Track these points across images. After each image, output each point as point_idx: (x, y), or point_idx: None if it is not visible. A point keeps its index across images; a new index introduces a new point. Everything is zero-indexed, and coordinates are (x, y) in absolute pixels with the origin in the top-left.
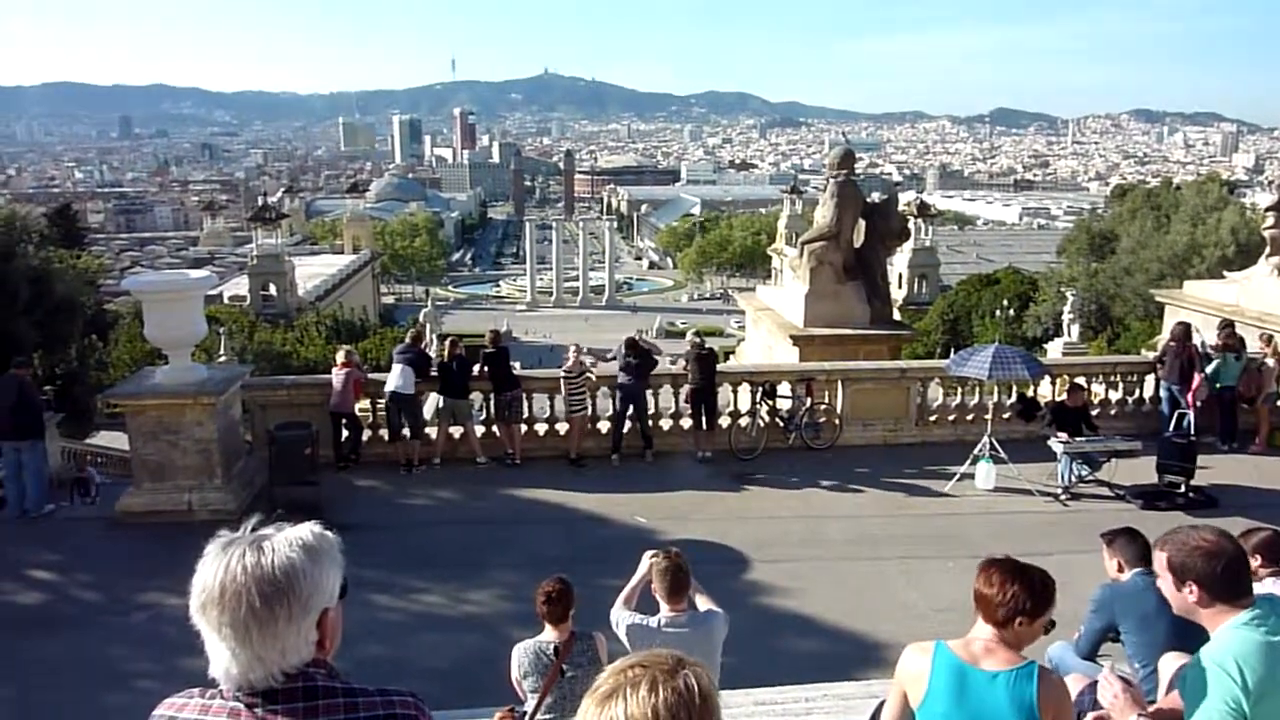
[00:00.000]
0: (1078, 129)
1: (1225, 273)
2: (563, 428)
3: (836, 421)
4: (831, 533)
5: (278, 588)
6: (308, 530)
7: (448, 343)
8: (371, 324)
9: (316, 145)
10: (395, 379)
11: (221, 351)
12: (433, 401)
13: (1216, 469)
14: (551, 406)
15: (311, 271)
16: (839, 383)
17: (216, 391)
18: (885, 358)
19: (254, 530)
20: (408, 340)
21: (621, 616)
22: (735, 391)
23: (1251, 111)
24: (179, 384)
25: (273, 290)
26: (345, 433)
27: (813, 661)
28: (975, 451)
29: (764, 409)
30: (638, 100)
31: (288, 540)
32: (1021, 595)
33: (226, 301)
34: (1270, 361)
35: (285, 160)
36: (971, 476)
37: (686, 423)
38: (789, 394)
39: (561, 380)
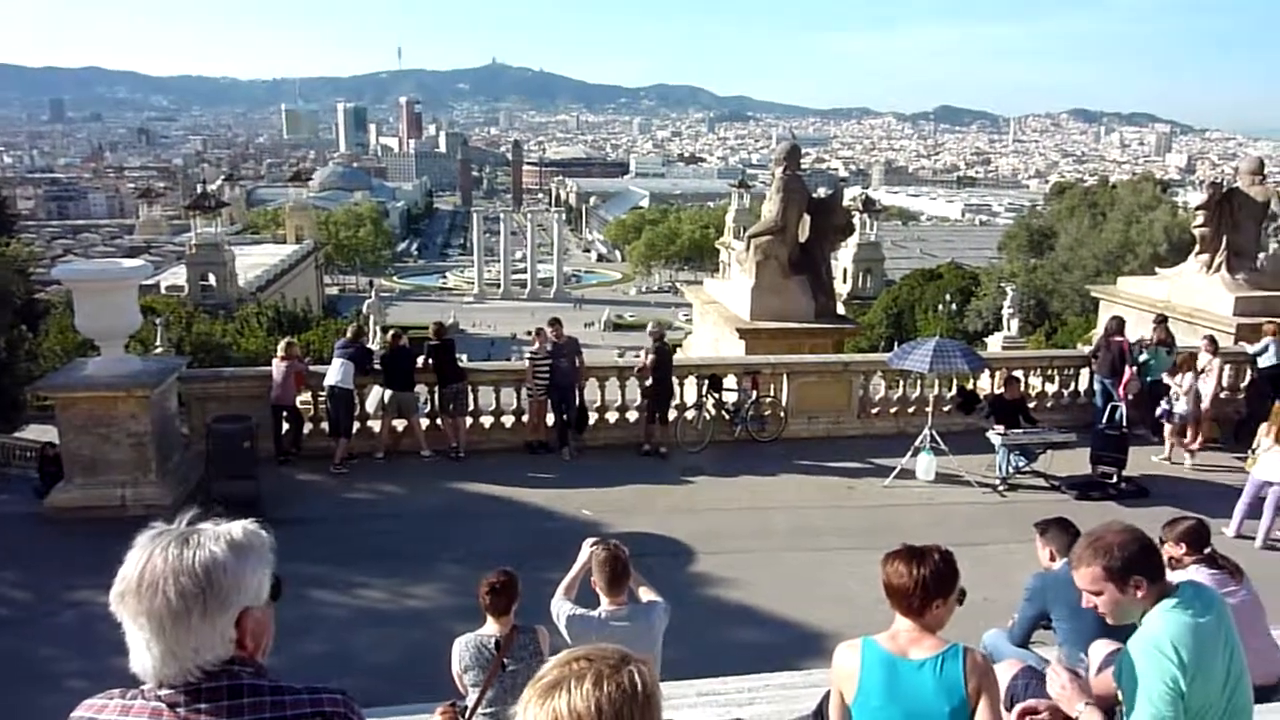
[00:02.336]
0: (1019, 127)
1: (1157, 269)
2: (509, 420)
3: (781, 414)
4: (775, 524)
5: (195, 582)
6: (240, 527)
7: (390, 335)
8: (315, 315)
9: (258, 132)
10: (334, 374)
11: (158, 343)
12: (377, 394)
13: (1147, 460)
14: (498, 399)
15: (253, 261)
16: (784, 376)
17: (151, 384)
18: (829, 351)
19: (189, 524)
20: (349, 335)
21: (562, 608)
22: (682, 384)
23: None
24: (112, 376)
25: (212, 280)
26: (286, 426)
27: (756, 651)
28: (916, 443)
29: (710, 402)
30: (587, 92)
31: (215, 536)
32: (929, 579)
33: (164, 292)
34: (1214, 364)
35: (225, 147)
36: (912, 468)
37: (633, 415)
38: (735, 387)
39: (528, 360)
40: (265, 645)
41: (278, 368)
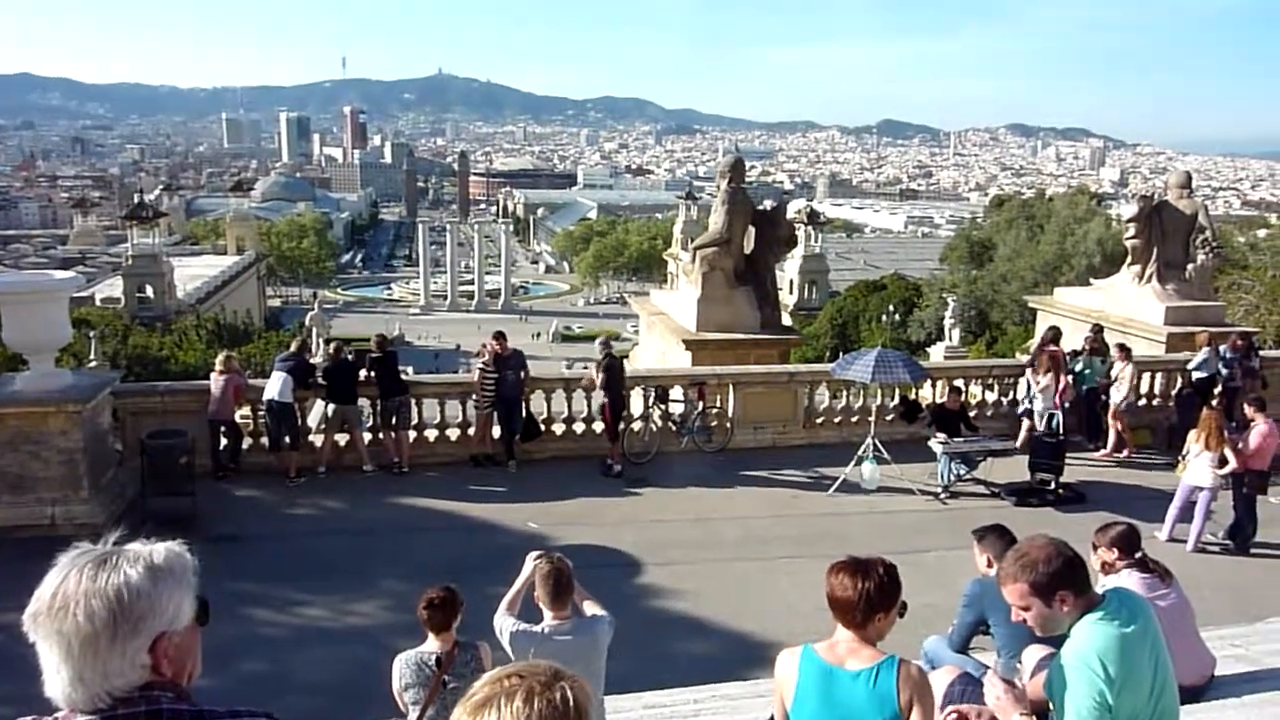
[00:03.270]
0: (959, 141)
1: (1092, 280)
2: (454, 433)
3: (728, 425)
4: (722, 534)
5: (105, 606)
6: (162, 549)
7: (331, 347)
8: (256, 327)
9: (198, 141)
10: (273, 387)
11: (92, 357)
12: (320, 408)
13: (1083, 466)
14: (442, 412)
15: (192, 273)
16: (730, 386)
17: (82, 399)
18: (775, 362)
19: (115, 544)
20: (292, 348)
21: (505, 624)
22: (628, 396)
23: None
24: (41, 391)
25: (149, 292)
26: (225, 441)
27: (703, 662)
28: (860, 452)
29: (657, 413)
30: (534, 103)
31: (134, 558)
32: (873, 592)
33: (99, 304)
34: (1127, 371)
35: (164, 156)
36: (857, 477)
37: (580, 427)
38: (681, 398)
39: (477, 371)
40: (191, 669)
41: (216, 381)
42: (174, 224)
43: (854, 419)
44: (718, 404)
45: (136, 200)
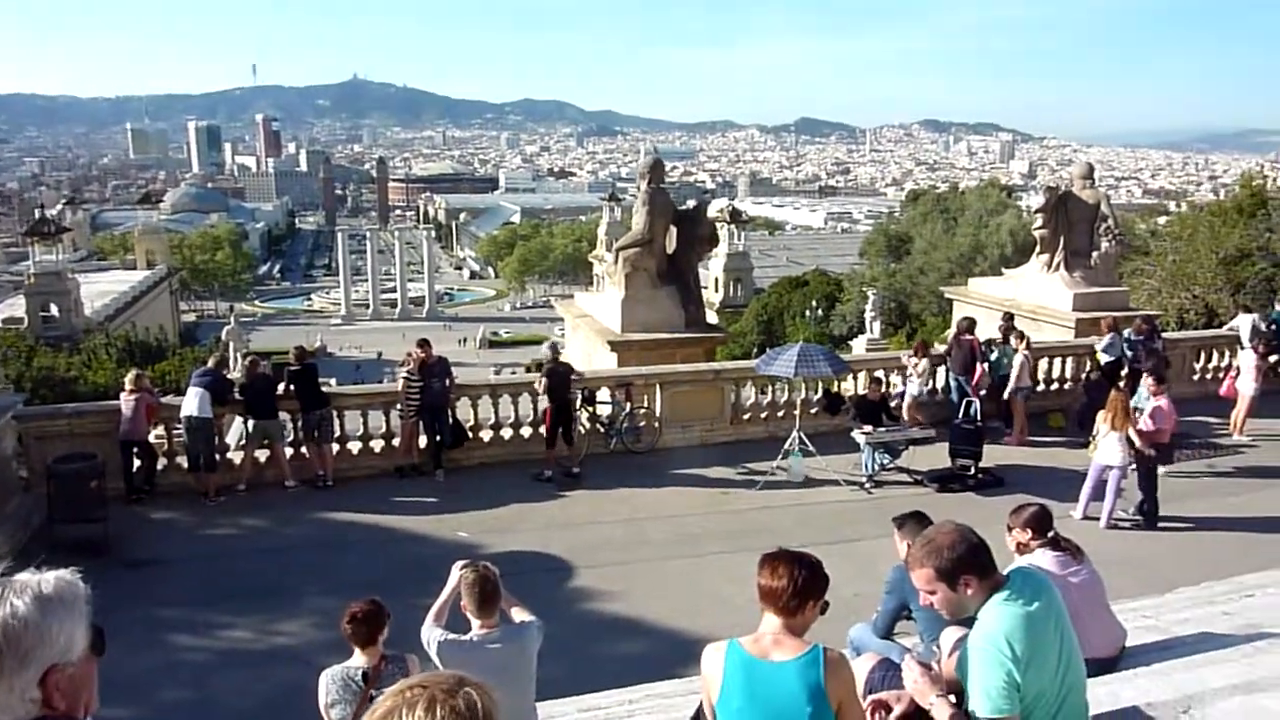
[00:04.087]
0: (875, 138)
1: (1004, 270)
2: (378, 444)
3: (656, 424)
4: (653, 534)
5: None
6: (52, 578)
7: (248, 362)
8: (171, 344)
9: (102, 153)
10: (190, 404)
11: None
12: (239, 425)
13: (1001, 451)
14: (365, 423)
15: (100, 289)
16: (657, 386)
17: None
18: (701, 360)
19: (3, 574)
20: (209, 364)
21: (433, 635)
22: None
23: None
24: None
25: (54, 311)
26: (138, 462)
27: (637, 662)
28: (786, 446)
29: (585, 415)
30: (453, 107)
31: (21, 588)
32: (807, 579)
33: (0, 325)
34: (1021, 351)
35: (66, 169)
36: (783, 470)
37: (508, 433)
38: (609, 399)
39: (401, 380)
40: (87, 702)
41: (126, 401)
42: (79, 239)
43: (780, 414)
44: (645, 404)
45: (38, 215)
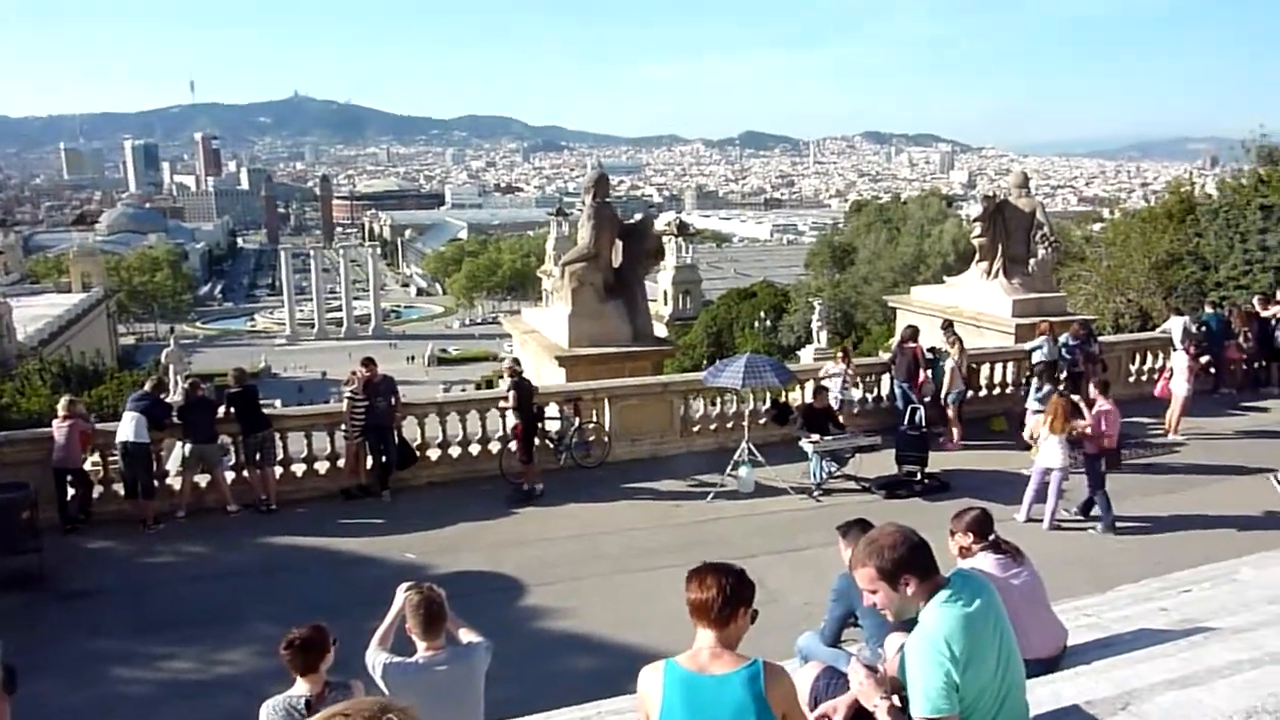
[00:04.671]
0: (818, 150)
1: (946, 278)
2: (323, 466)
3: (606, 439)
4: (605, 549)
5: None
6: None
7: (188, 384)
8: (108, 368)
9: (34, 173)
10: (126, 429)
11: None
12: (179, 450)
13: (946, 456)
14: (309, 444)
15: (33, 313)
16: (606, 400)
17: None
18: (649, 373)
19: None
20: (146, 387)
21: (378, 659)
22: (504, 415)
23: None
24: None
25: None
26: (72, 491)
27: (591, 679)
28: (736, 457)
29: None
30: (396, 124)
31: None
32: (735, 587)
33: None
34: (953, 357)
35: None
36: (734, 481)
37: (456, 451)
38: (557, 415)
39: (345, 399)
40: None
41: (59, 428)
42: (11, 262)
43: (729, 425)
44: (594, 419)
45: None
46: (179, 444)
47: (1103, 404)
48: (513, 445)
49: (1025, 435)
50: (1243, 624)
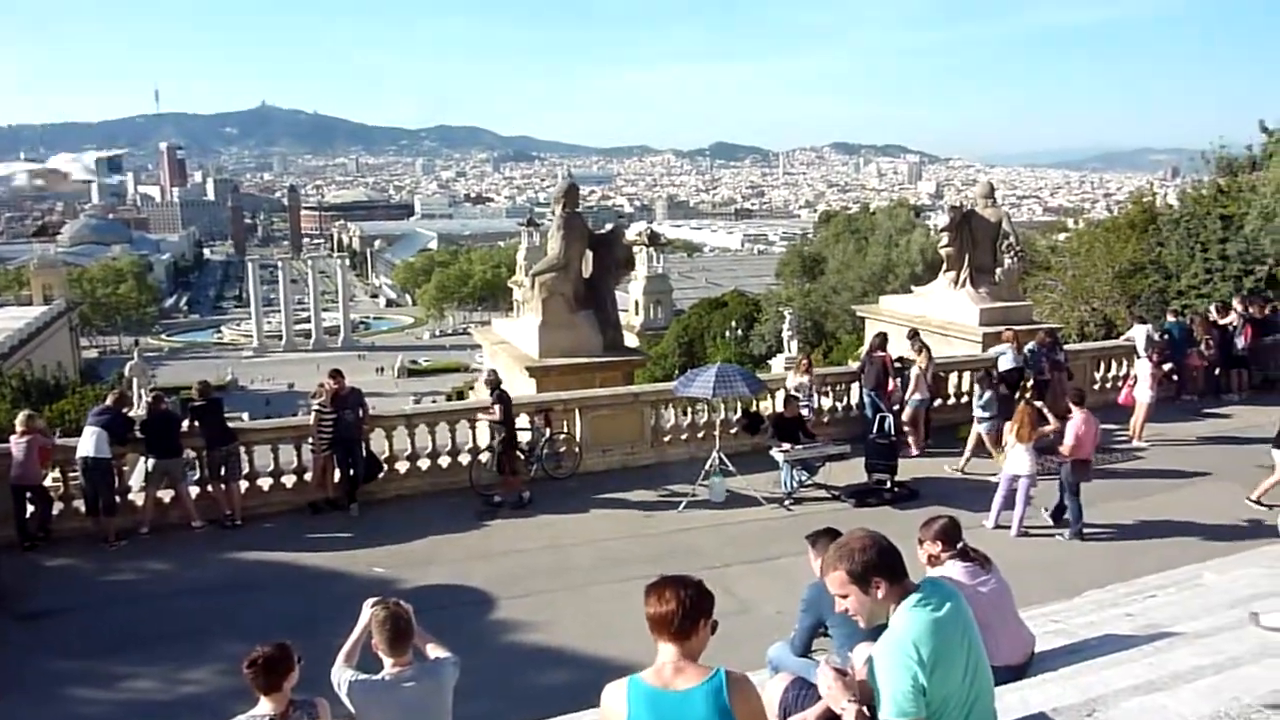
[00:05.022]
0: (788, 161)
1: (914, 288)
2: (290, 479)
3: (576, 449)
4: (576, 560)
5: None
6: None
7: (151, 398)
8: (70, 382)
9: None
10: (86, 445)
11: None
12: (142, 465)
13: (915, 465)
14: (276, 458)
15: None
16: (576, 411)
17: None
18: (620, 384)
19: None
20: (108, 401)
21: (343, 676)
22: (474, 427)
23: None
24: None
25: None
26: (31, 508)
27: (563, 692)
28: (707, 467)
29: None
30: (365, 134)
31: None
32: (694, 599)
33: None
34: (918, 364)
35: None
36: (705, 491)
37: (425, 464)
38: (528, 425)
39: (313, 413)
40: None
41: (17, 444)
42: None
43: (700, 435)
44: (565, 429)
45: None
46: (142, 459)
47: (1078, 413)
48: (484, 457)
49: (971, 442)
50: (1206, 629)
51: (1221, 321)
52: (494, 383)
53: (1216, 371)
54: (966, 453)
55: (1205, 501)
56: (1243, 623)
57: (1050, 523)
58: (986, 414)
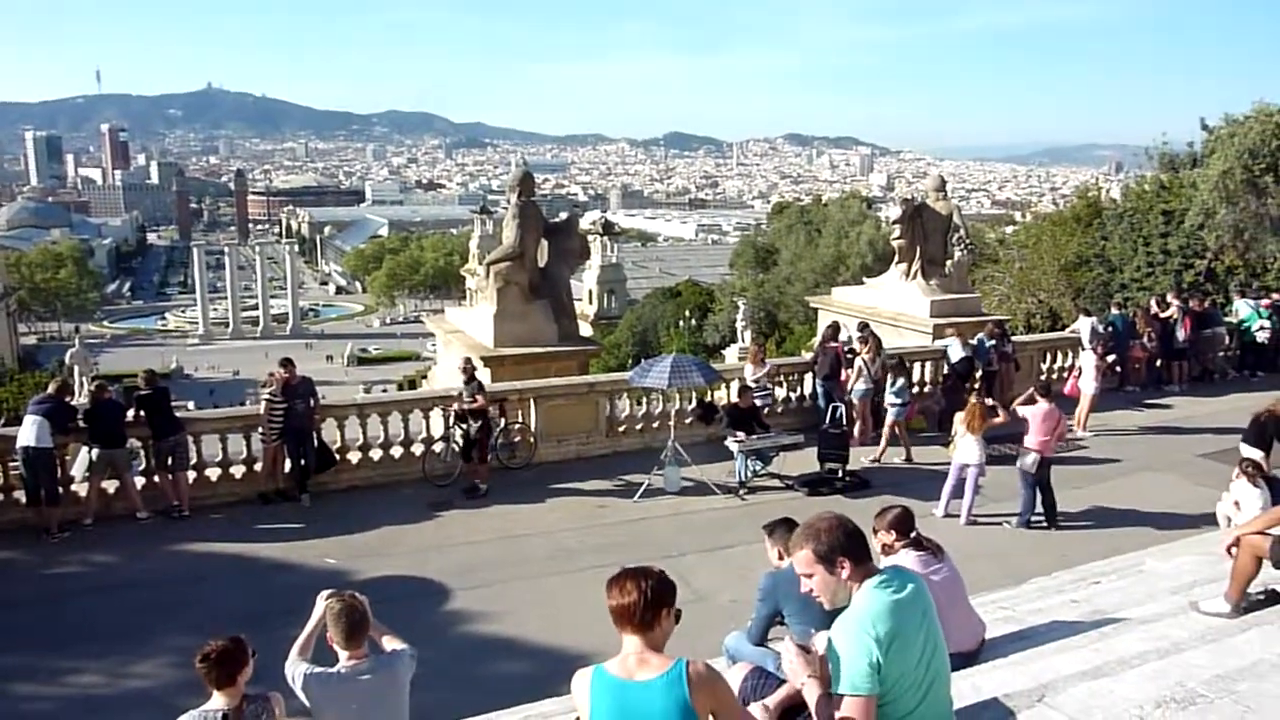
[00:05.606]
0: (741, 152)
1: (865, 279)
2: (239, 470)
3: (531, 439)
4: (531, 551)
5: None
6: None
7: (94, 386)
8: (8, 369)
9: None
10: (26, 434)
11: None
12: (85, 455)
13: (867, 453)
14: (224, 448)
15: None
16: (531, 401)
17: None
18: (575, 373)
19: None
20: (49, 389)
21: (297, 670)
22: (427, 417)
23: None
24: None
25: None
26: None
27: (519, 682)
28: (662, 457)
29: (458, 433)
30: (315, 118)
31: None
32: (655, 589)
33: None
34: (861, 355)
35: None
36: (660, 481)
37: (377, 454)
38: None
39: (263, 403)
40: None
41: None
42: None
43: (655, 425)
44: (519, 419)
45: None
46: (85, 449)
47: (1043, 404)
48: (437, 447)
49: (886, 432)
50: (1149, 614)
51: (1162, 315)
52: (470, 370)
53: (1158, 363)
54: (882, 443)
55: (1147, 490)
56: (1184, 609)
57: (997, 512)
58: (899, 401)
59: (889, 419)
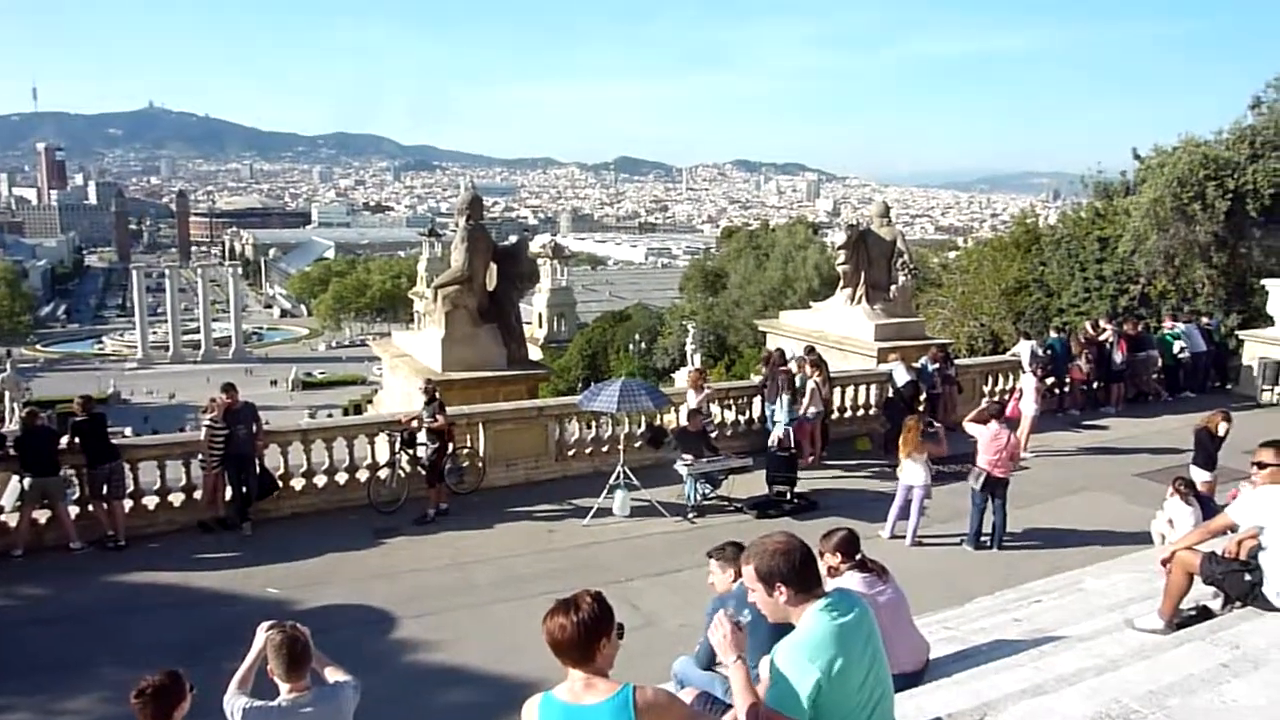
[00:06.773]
0: (690, 177)
1: (812, 303)
2: (178, 498)
3: (480, 464)
4: (479, 577)
5: None
6: None
7: (26, 413)
8: None
9: None
10: None
11: None
12: (15, 484)
13: (814, 476)
14: (163, 475)
15: None
16: (480, 425)
17: None
18: (524, 397)
19: None
20: None
21: (236, 704)
22: (373, 442)
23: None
24: None
25: None
26: None
27: (466, 712)
28: (611, 481)
29: (404, 458)
30: (260, 139)
31: None
32: (588, 620)
33: None
34: (809, 385)
35: None
36: (609, 505)
37: (321, 480)
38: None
39: (203, 429)
40: None
41: None
42: None
43: (604, 449)
44: (468, 444)
45: None
46: (15, 477)
47: (993, 425)
48: (383, 474)
49: (771, 442)
50: (1087, 632)
51: (1098, 339)
52: (432, 390)
53: (1095, 386)
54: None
55: (1086, 509)
56: (1120, 626)
57: (942, 533)
58: (786, 419)
59: (777, 436)
